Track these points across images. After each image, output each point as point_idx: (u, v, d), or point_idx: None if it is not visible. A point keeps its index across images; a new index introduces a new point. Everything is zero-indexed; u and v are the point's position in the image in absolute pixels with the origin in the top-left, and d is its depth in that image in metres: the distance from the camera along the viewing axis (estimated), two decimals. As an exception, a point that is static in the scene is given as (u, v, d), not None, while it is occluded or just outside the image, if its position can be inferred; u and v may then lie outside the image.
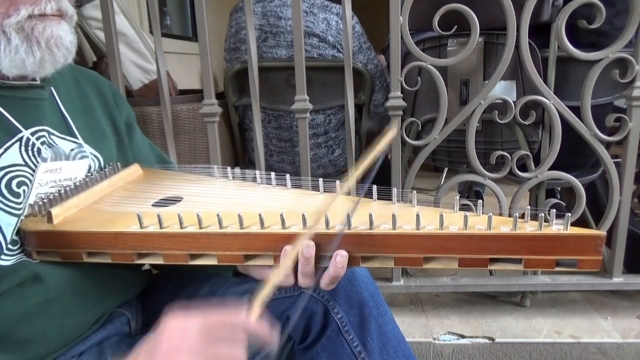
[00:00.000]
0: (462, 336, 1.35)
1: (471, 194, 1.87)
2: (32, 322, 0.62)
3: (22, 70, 0.64)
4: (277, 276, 0.51)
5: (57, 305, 0.65)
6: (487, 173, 1.28)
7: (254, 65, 1.26)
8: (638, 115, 1.23)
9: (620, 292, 1.51)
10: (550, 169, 1.27)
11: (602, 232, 0.51)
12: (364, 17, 1.96)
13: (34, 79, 0.70)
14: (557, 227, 0.52)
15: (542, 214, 0.52)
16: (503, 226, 0.54)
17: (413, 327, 1.39)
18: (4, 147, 0.64)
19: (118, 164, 0.79)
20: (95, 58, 1.74)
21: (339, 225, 0.57)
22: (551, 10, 1.26)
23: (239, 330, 0.46)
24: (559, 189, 1.62)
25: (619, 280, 1.35)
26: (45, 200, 0.66)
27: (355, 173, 0.61)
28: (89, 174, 0.74)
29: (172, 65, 2.22)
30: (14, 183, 0.64)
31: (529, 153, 1.28)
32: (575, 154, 1.42)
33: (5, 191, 0.63)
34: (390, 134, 0.65)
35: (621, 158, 1.28)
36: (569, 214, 0.52)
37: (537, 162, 1.30)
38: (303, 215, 0.58)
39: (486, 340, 1.33)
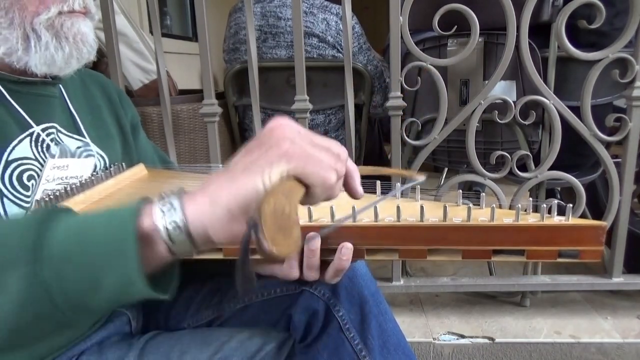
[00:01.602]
0: (462, 336, 1.35)
1: (471, 194, 1.87)
2: None
3: (52, 67, 0.66)
4: None
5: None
6: (487, 173, 1.28)
7: (254, 65, 1.26)
8: (638, 115, 1.23)
9: (620, 292, 1.51)
10: (550, 169, 1.27)
11: (604, 223, 0.52)
12: (364, 17, 1.96)
13: (45, 76, 0.70)
14: (558, 218, 0.53)
15: (544, 206, 0.53)
16: (506, 217, 0.54)
17: (413, 327, 1.39)
18: (18, 139, 0.65)
19: (123, 163, 0.79)
20: (95, 58, 1.74)
21: (342, 216, 0.57)
22: (551, 10, 1.26)
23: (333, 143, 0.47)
24: (559, 189, 1.62)
25: (619, 280, 1.35)
26: (51, 197, 0.66)
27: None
28: (95, 173, 0.74)
29: (172, 65, 2.22)
30: (25, 176, 0.65)
31: (529, 153, 1.28)
32: (575, 154, 1.42)
33: (16, 183, 0.64)
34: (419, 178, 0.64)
35: (621, 158, 1.28)
36: (570, 205, 0.53)
37: (537, 162, 1.30)
38: (309, 208, 0.58)
39: (486, 340, 1.33)
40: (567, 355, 1.32)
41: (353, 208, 0.56)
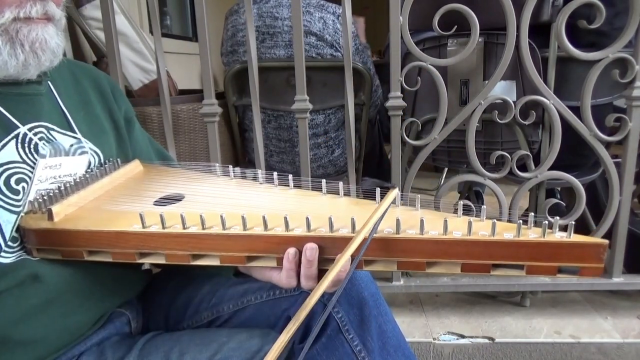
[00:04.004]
0: (462, 336, 1.35)
1: (471, 194, 1.87)
2: (32, 323, 0.62)
3: (4, 72, 0.64)
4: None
5: (57, 306, 0.65)
6: (487, 173, 1.28)
7: (254, 66, 1.26)
8: (638, 115, 1.23)
9: (620, 292, 1.51)
10: (550, 169, 1.27)
11: (605, 241, 0.51)
12: (364, 17, 1.96)
13: (24, 77, 0.69)
14: (560, 235, 0.53)
15: (546, 222, 0.52)
16: (506, 232, 0.54)
17: (413, 327, 1.39)
18: (1, 143, 0.64)
19: (118, 159, 0.79)
20: (95, 58, 1.74)
21: (366, 232, 0.56)
22: (551, 10, 1.26)
23: None
24: (559, 189, 1.62)
25: (619, 280, 1.35)
26: (45, 197, 0.65)
27: (359, 237, 0.57)
28: (89, 170, 0.74)
29: (172, 65, 2.22)
30: (12, 180, 0.64)
31: (529, 153, 1.28)
32: (575, 154, 1.42)
33: (3, 188, 0.63)
34: (393, 193, 0.64)
35: (621, 158, 1.28)
36: (572, 222, 0.52)
37: (537, 162, 1.30)
38: (307, 218, 0.58)
39: (486, 340, 1.33)
40: (567, 355, 1.32)
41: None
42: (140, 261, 0.63)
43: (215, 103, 1.29)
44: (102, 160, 0.77)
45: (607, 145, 1.29)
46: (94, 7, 1.50)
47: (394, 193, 0.63)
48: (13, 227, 0.63)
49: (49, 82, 0.73)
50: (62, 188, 0.68)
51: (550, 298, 1.52)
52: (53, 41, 0.66)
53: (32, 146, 0.67)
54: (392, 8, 1.18)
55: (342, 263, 0.54)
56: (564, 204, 1.50)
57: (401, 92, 1.24)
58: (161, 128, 1.38)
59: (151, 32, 1.43)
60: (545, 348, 1.32)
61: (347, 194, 0.69)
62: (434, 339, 1.34)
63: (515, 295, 1.52)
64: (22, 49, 0.63)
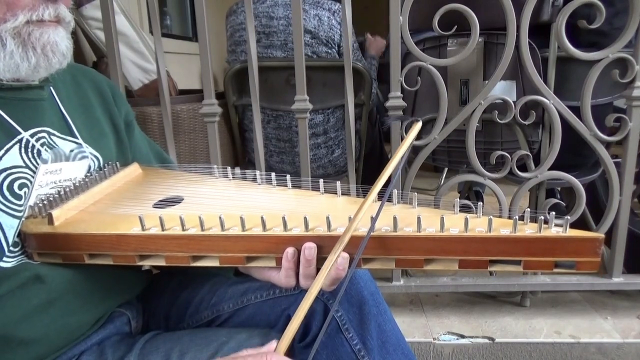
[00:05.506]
0: (462, 336, 1.35)
1: (471, 194, 1.87)
2: (33, 323, 0.62)
3: (16, 74, 0.64)
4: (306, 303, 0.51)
5: (58, 306, 0.65)
6: (487, 173, 1.28)
7: (254, 65, 1.26)
8: (638, 115, 1.23)
9: (620, 292, 1.51)
10: (550, 169, 1.27)
11: (601, 235, 0.51)
12: (364, 17, 1.96)
13: (32, 80, 0.70)
14: (556, 230, 0.53)
15: (542, 217, 0.53)
16: (503, 228, 0.54)
17: (413, 327, 1.39)
18: (5, 148, 0.64)
19: (117, 163, 0.78)
20: (95, 58, 1.75)
21: (364, 229, 0.56)
22: (551, 10, 1.26)
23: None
24: (559, 189, 1.62)
25: (619, 280, 1.35)
26: (45, 202, 0.66)
27: (386, 171, 0.59)
28: (89, 174, 0.74)
29: (172, 65, 2.22)
30: (15, 185, 0.64)
31: (529, 153, 1.28)
32: (575, 154, 1.42)
33: (7, 193, 0.63)
34: (416, 127, 0.64)
35: (621, 158, 1.28)
36: (568, 217, 0.53)
37: (537, 162, 1.30)
38: (305, 218, 0.58)
39: (486, 340, 1.33)
40: (567, 355, 1.32)
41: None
42: (140, 263, 0.63)
43: (215, 103, 1.29)
44: (102, 164, 0.77)
45: (607, 145, 1.29)
46: (94, 7, 1.50)
47: (417, 127, 0.63)
48: (15, 232, 0.63)
49: (51, 87, 0.73)
50: (62, 192, 0.68)
51: (550, 298, 1.52)
52: (63, 44, 0.66)
53: (34, 152, 0.67)
54: (392, 8, 1.18)
55: (341, 250, 0.54)
56: (564, 204, 1.50)
57: (401, 92, 1.24)
58: (161, 128, 1.38)
59: (151, 32, 1.43)
60: (545, 348, 1.32)
61: (345, 193, 0.69)
62: (434, 339, 1.34)
63: (515, 295, 1.52)
64: (33, 51, 0.63)
